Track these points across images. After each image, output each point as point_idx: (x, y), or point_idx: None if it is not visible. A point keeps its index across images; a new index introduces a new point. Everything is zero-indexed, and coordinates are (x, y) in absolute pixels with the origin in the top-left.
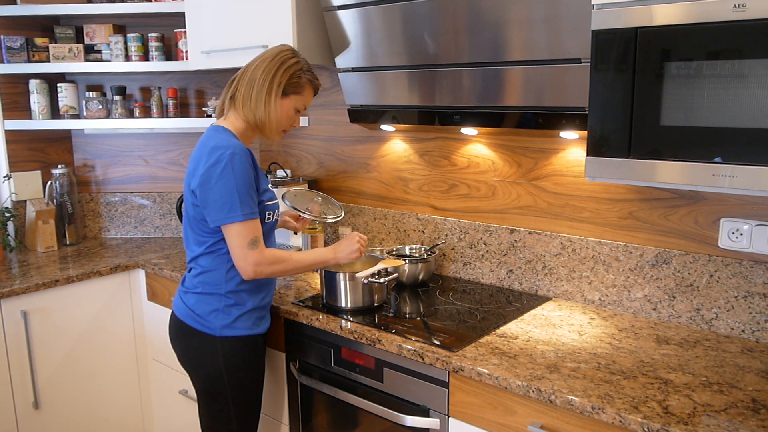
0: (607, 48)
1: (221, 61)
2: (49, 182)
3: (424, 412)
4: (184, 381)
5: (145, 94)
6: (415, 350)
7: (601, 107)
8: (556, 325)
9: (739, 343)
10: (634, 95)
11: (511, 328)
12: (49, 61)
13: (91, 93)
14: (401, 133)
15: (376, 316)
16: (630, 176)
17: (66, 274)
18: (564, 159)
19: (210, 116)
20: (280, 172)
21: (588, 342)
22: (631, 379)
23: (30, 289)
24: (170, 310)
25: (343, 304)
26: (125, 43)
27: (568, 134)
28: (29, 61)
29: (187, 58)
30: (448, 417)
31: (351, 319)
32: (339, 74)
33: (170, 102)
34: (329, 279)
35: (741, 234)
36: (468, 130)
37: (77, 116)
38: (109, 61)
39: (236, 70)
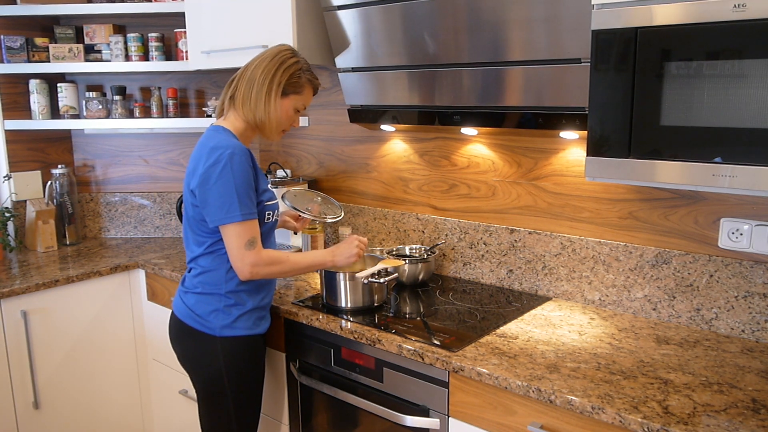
0: (607, 48)
1: (221, 61)
2: (49, 182)
3: (424, 412)
4: (184, 381)
5: (145, 94)
6: (415, 350)
7: (601, 107)
8: (556, 325)
9: (739, 343)
10: (634, 95)
11: (511, 328)
12: (49, 61)
13: (91, 93)
14: (401, 133)
15: (376, 316)
16: (630, 176)
17: (66, 274)
18: (564, 159)
19: (210, 116)
20: (280, 172)
21: (588, 342)
22: (631, 379)
23: (30, 289)
24: (170, 310)
25: (343, 304)
26: (125, 43)
27: (568, 134)
28: (29, 61)
29: (187, 58)
30: (448, 417)
31: (351, 319)
32: (339, 74)
33: (170, 102)
34: (329, 279)
35: (741, 234)
36: (468, 130)
37: (77, 116)
38: (109, 61)
39: (236, 70)
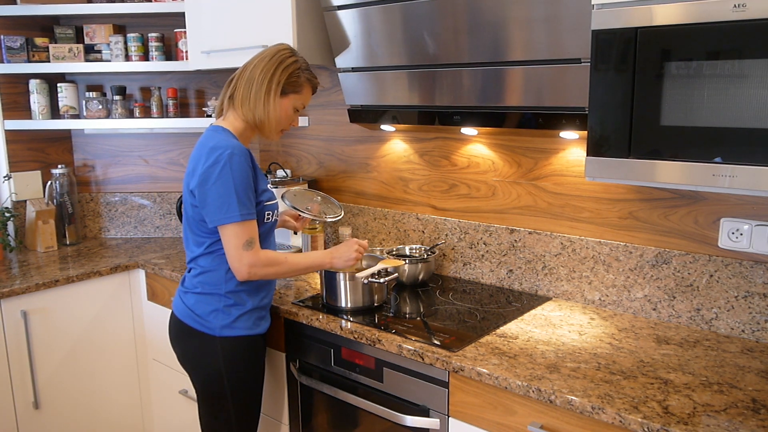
0: (607, 48)
1: (221, 61)
2: (49, 182)
3: (424, 412)
4: (184, 381)
5: (145, 94)
6: (415, 350)
7: (601, 107)
8: (556, 325)
9: (739, 343)
10: (634, 95)
11: (511, 328)
12: (49, 61)
13: (91, 93)
14: (401, 133)
15: (376, 316)
16: (630, 176)
17: (66, 274)
18: (564, 159)
19: (210, 116)
20: (280, 172)
21: (588, 342)
22: (631, 379)
23: (30, 289)
24: (170, 310)
25: (343, 304)
26: (125, 43)
27: (568, 134)
28: (29, 61)
29: (187, 58)
30: (448, 417)
31: (351, 319)
32: (339, 74)
33: (170, 102)
34: (329, 279)
35: (741, 234)
36: (468, 130)
37: (77, 116)
38: (109, 61)
39: (236, 70)
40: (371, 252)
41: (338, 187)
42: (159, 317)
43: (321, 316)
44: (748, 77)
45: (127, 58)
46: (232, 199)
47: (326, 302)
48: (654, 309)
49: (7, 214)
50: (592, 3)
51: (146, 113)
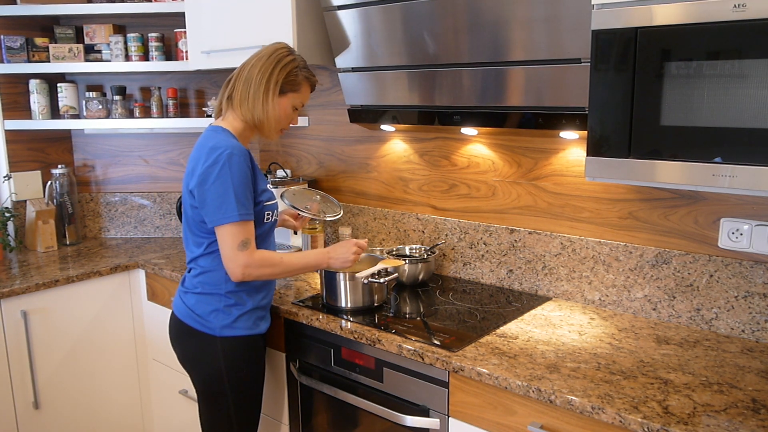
0: (607, 48)
1: (221, 61)
2: (49, 182)
3: (424, 412)
4: (184, 381)
5: (145, 94)
6: (415, 350)
7: (601, 107)
8: (556, 325)
9: (739, 343)
10: (634, 95)
11: (511, 328)
12: (49, 61)
13: (91, 93)
14: (401, 133)
15: (376, 316)
16: (630, 176)
17: (66, 274)
18: (564, 159)
19: (210, 116)
20: (280, 172)
21: (588, 342)
22: (631, 379)
23: (30, 289)
24: (170, 310)
25: (343, 304)
26: (125, 43)
27: (568, 134)
28: (29, 61)
29: (187, 58)
30: (448, 417)
31: (351, 319)
32: (339, 74)
33: (170, 102)
34: (329, 279)
35: (741, 234)
36: (468, 130)
37: (77, 116)
38: (109, 61)
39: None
40: (371, 252)
41: (338, 187)
42: (159, 317)
43: (321, 316)
44: (748, 77)
45: (127, 58)
46: (230, 199)
47: (326, 302)
48: (654, 309)
49: (7, 214)
50: (592, 3)
51: (146, 113)
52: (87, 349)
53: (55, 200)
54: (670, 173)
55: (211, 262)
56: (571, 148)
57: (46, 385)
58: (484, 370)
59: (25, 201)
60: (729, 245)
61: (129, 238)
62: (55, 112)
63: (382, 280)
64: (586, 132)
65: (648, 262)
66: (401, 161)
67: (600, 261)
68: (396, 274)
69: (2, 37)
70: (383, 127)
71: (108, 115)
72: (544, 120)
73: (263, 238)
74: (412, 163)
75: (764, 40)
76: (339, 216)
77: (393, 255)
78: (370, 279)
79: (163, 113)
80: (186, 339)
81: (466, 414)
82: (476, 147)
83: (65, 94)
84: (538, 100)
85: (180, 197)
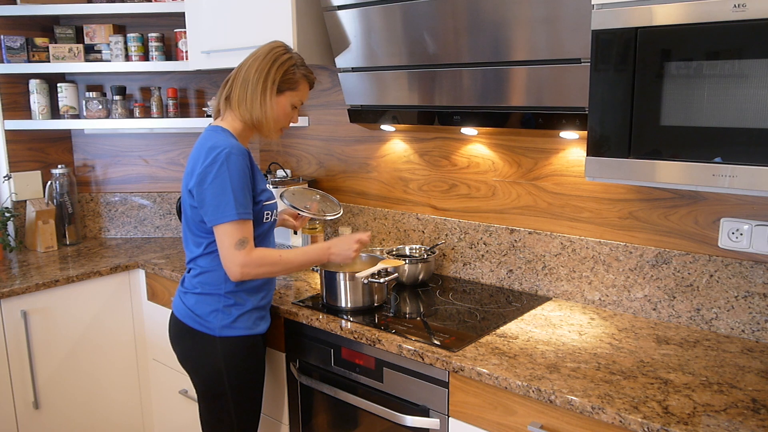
0: (607, 48)
1: (221, 61)
2: (49, 182)
3: (424, 412)
4: (184, 381)
5: (145, 94)
6: (415, 350)
7: (601, 107)
8: (556, 325)
9: (739, 343)
10: (634, 95)
11: (511, 328)
12: (49, 61)
13: (91, 93)
14: (401, 133)
15: (376, 316)
16: (630, 176)
17: (66, 274)
18: (564, 159)
19: (210, 116)
20: (279, 172)
21: (588, 342)
22: (631, 379)
23: (30, 289)
24: (170, 310)
25: (343, 304)
26: (125, 43)
27: (568, 134)
28: (29, 61)
29: (187, 58)
30: (448, 417)
31: (351, 319)
32: (339, 74)
33: (170, 102)
34: (329, 279)
35: (741, 234)
36: (468, 130)
37: (77, 116)
38: (109, 61)
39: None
40: (371, 252)
41: (338, 187)
42: (159, 317)
43: (321, 316)
44: (748, 77)
45: (127, 58)
46: (228, 198)
47: (326, 302)
48: (654, 309)
49: (7, 214)
50: (592, 3)
51: (146, 113)
52: (87, 349)
53: (55, 200)
54: (670, 173)
55: (210, 262)
56: (571, 148)
57: (46, 385)
58: (484, 370)
59: (25, 201)
60: (729, 245)
61: (129, 238)
62: (55, 112)
63: (382, 280)
64: (586, 132)
65: (648, 262)
66: (401, 161)
67: (600, 261)
68: (396, 274)
69: (2, 37)
70: (383, 127)
71: (108, 115)
72: (544, 120)
73: (263, 238)
74: (412, 163)
75: (764, 40)
76: (339, 215)
77: (393, 255)
78: (370, 279)
79: (163, 113)
80: (185, 339)
81: (466, 414)
82: (476, 147)
83: (65, 94)
84: (538, 100)
85: (180, 197)
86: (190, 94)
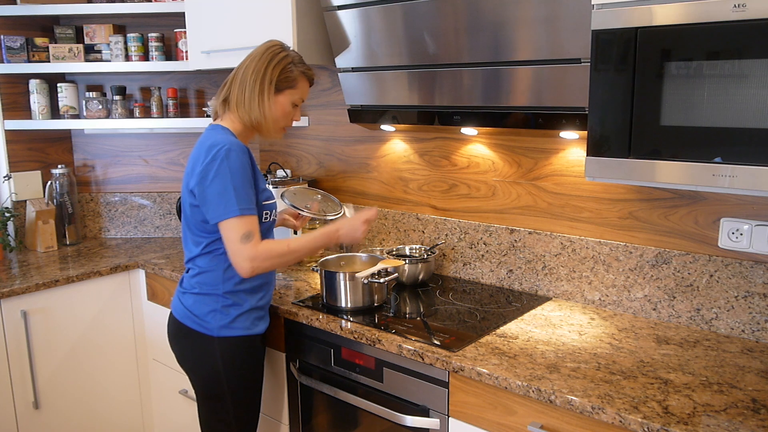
0: (607, 48)
1: (221, 61)
2: (49, 182)
3: (424, 412)
4: (184, 381)
5: (145, 94)
6: (415, 350)
7: (601, 107)
8: (556, 325)
9: (739, 343)
10: (634, 95)
11: (511, 328)
12: (49, 61)
13: (91, 93)
14: (401, 133)
15: (376, 316)
16: (630, 176)
17: (66, 274)
18: (564, 159)
19: (210, 116)
20: (280, 172)
21: (588, 342)
22: (631, 379)
23: (30, 289)
24: (170, 311)
25: (343, 304)
26: (125, 43)
27: (568, 134)
28: (29, 61)
29: (187, 58)
30: (448, 417)
31: (351, 319)
32: (339, 74)
33: (170, 102)
34: (329, 279)
35: (741, 234)
36: (468, 130)
37: (77, 116)
38: (109, 61)
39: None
40: (371, 252)
41: (338, 187)
42: (159, 317)
43: (321, 316)
44: (748, 77)
45: (127, 58)
46: (230, 194)
47: (326, 302)
48: (654, 309)
49: (7, 214)
50: (592, 3)
51: (146, 113)
52: (87, 349)
53: (55, 200)
54: (670, 173)
55: (209, 262)
56: (571, 148)
57: (46, 385)
58: (484, 370)
59: (25, 201)
60: (729, 245)
61: (129, 238)
62: (55, 112)
63: (382, 280)
64: (586, 132)
65: (648, 262)
66: (401, 161)
67: (600, 261)
68: (396, 274)
69: (2, 37)
70: (383, 127)
71: (108, 115)
72: (544, 120)
73: (262, 238)
74: (412, 163)
75: (764, 40)
76: (340, 215)
77: (393, 255)
78: (370, 279)
79: (163, 113)
80: (184, 339)
81: (466, 414)
82: (476, 147)
83: (65, 94)
84: (538, 100)
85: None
86: (190, 94)
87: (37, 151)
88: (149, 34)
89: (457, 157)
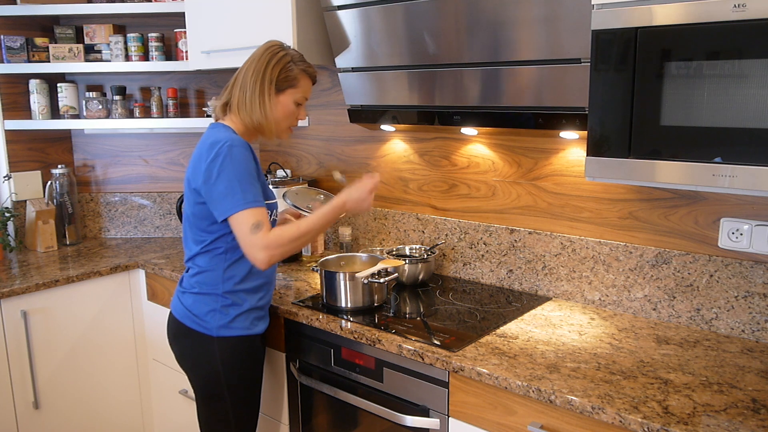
0: (607, 48)
1: (221, 61)
2: (49, 182)
3: (424, 412)
4: (184, 381)
5: (145, 94)
6: (415, 350)
7: (601, 107)
8: (556, 325)
9: (739, 343)
10: (634, 95)
11: (511, 328)
12: (49, 61)
13: (91, 93)
14: (401, 133)
15: (376, 316)
16: (630, 176)
17: (66, 274)
18: (564, 159)
19: (210, 116)
20: (280, 172)
21: (588, 342)
22: (631, 379)
23: (30, 289)
24: (170, 310)
25: (343, 304)
26: (125, 43)
27: (568, 134)
28: (29, 61)
29: (187, 58)
30: (448, 417)
31: (351, 319)
32: (339, 74)
33: (170, 102)
34: (329, 279)
35: (741, 234)
36: (468, 130)
37: (77, 116)
38: (109, 61)
39: (236, 70)
40: (371, 252)
41: (338, 188)
42: (159, 317)
43: (321, 316)
44: (748, 77)
45: (127, 58)
46: (235, 188)
47: (326, 302)
48: (654, 309)
49: (7, 214)
50: (592, 3)
51: (146, 113)
52: (87, 349)
53: (55, 200)
54: (670, 173)
55: (208, 261)
56: (571, 148)
57: (46, 385)
58: (484, 370)
59: (25, 201)
60: (729, 245)
61: (129, 238)
62: (55, 112)
63: (382, 280)
64: (586, 132)
65: (648, 262)
66: (401, 161)
67: (600, 261)
68: (396, 274)
69: (2, 37)
70: (383, 127)
71: (108, 115)
72: (544, 120)
73: None
74: (412, 163)
75: (764, 40)
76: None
77: (393, 255)
78: (370, 279)
79: (163, 113)
80: (183, 339)
81: (466, 414)
82: (476, 147)
83: (65, 94)
84: (538, 100)
85: (181, 196)
86: (190, 94)
87: (37, 151)
88: (149, 34)
89: (457, 157)
